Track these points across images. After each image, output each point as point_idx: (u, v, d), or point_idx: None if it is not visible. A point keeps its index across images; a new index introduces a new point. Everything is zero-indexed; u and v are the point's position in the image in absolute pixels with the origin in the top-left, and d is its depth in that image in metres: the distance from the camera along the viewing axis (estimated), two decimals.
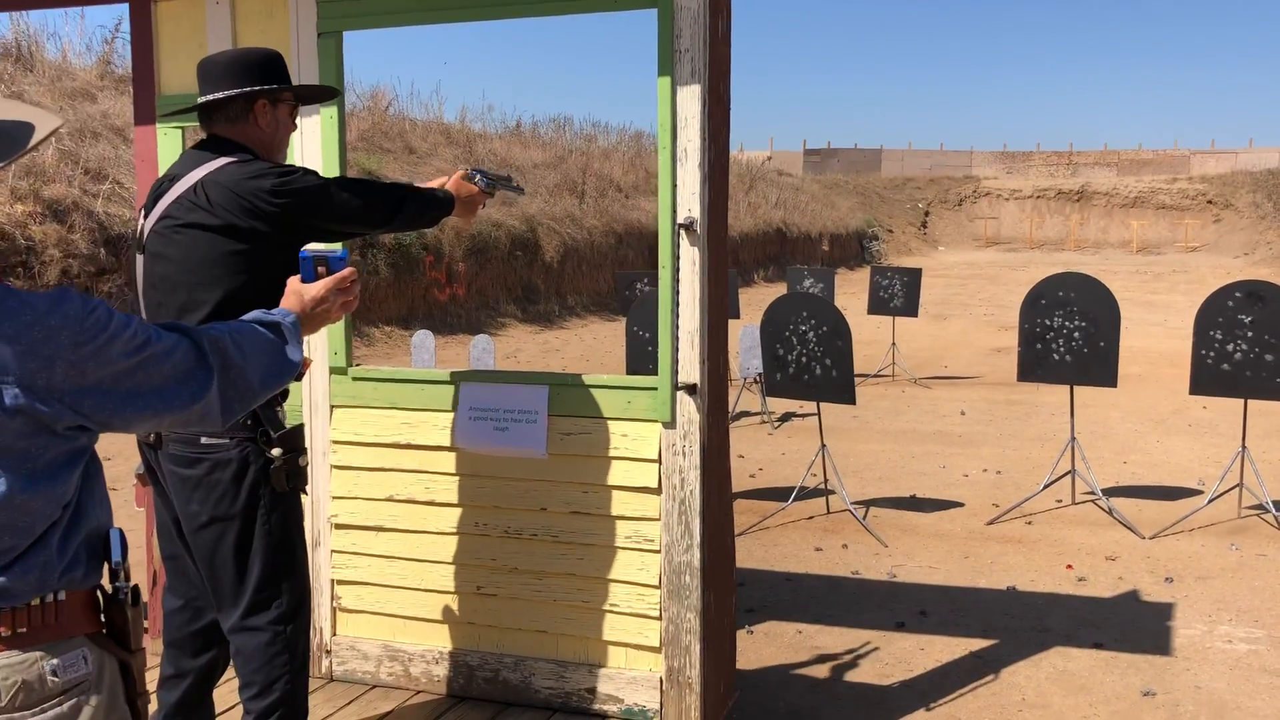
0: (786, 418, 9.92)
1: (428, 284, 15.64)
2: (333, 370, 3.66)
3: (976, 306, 22.74)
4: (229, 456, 2.72)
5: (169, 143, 3.76)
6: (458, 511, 3.55)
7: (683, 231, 3.19)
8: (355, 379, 3.65)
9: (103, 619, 1.54)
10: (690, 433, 3.27)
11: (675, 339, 3.22)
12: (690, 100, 3.19)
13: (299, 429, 2.86)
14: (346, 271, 1.91)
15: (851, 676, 4.28)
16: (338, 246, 2.06)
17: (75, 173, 11.09)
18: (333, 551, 3.68)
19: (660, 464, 3.31)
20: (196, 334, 1.62)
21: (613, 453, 3.36)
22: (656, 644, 3.36)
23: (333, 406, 3.67)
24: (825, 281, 12.29)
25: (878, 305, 11.96)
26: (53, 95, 13.12)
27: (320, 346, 3.66)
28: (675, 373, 3.23)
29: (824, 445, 6.68)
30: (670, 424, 3.29)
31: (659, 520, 3.33)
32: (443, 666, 3.57)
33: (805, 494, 6.84)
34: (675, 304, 3.21)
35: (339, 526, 3.67)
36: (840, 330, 6.14)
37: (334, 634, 3.70)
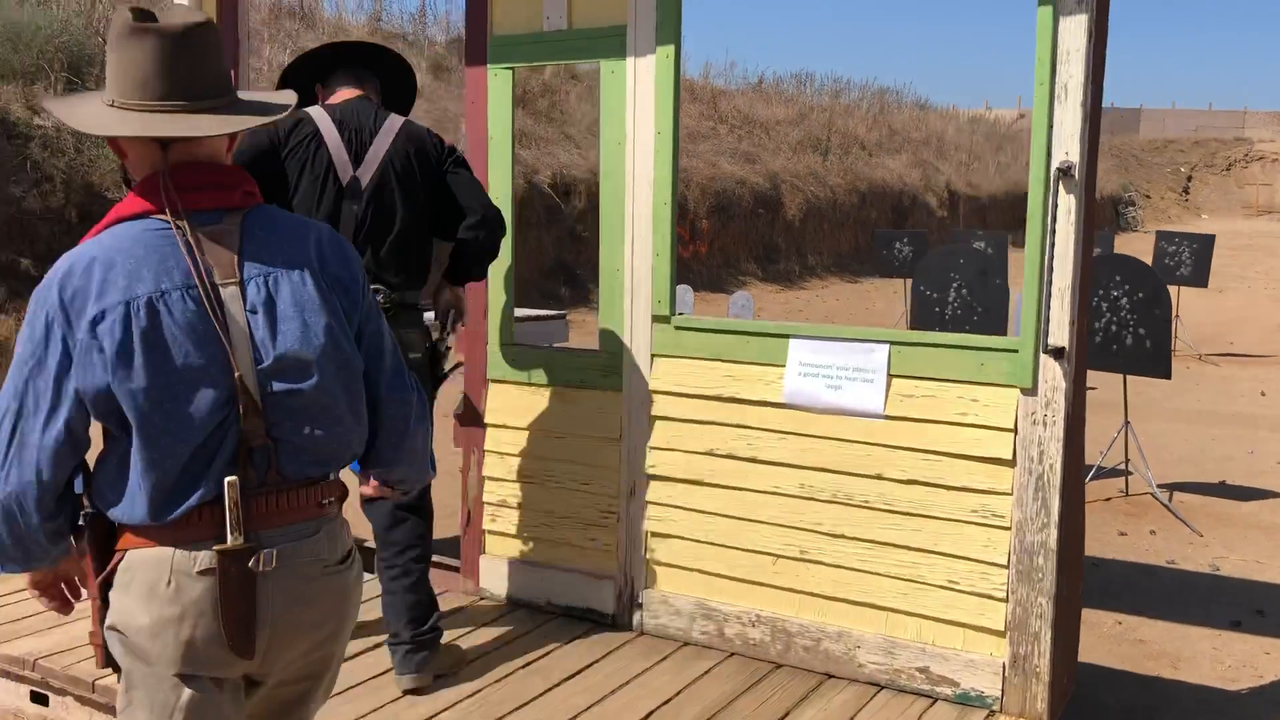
0: None
1: None
2: (655, 319, 3.55)
3: (1254, 280, 20.90)
4: (422, 353, 3.22)
5: (499, 84, 3.73)
6: (782, 471, 3.38)
7: (1060, 177, 2.88)
8: (678, 328, 3.53)
9: None
10: (1054, 401, 2.98)
11: (1047, 296, 2.92)
12: (1075, 31, 2.86)
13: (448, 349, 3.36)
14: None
15: (1189, 677, 3.89)
16: None
17: None
18: (648, 503, 3.60)
19: (1016, 434, 3.03)
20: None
21: (960, 419, 3.10)
22: (1000, 627, 3.09)
23: (654, 355, 3.57)
24: (999, 244, 11.46)
25: (1162, 274, 11.02)
26: None
27: (643, 295, 3.56)
28: (1044, 334, 2.94)
29: (1127, 422, 6.17)
30: (1030, 390, 3.00)
31: (1011, 495, 3.05)
32: (759, 630, 3.44)
33: (1102, 473, 6.34)
34: (1048, 257, 2.90)
35: (656, 478, 3.58)
36: (1159, 298, 5.61)
37: (646, 587, 3.63)
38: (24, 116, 8.93)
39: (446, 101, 13.90)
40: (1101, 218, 33.58)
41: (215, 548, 1.63)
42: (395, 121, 3.21)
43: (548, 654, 3.47)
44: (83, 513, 1.73)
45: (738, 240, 17.29)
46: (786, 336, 3.36)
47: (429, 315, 3.35)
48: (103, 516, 1.70)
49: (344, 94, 3.27)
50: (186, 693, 1.67)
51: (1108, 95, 3.11)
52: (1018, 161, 30.04)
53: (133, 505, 1.66)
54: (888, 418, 3.20)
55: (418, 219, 3.20)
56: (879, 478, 3.23)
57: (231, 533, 1.63)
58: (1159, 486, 6.22)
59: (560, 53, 3.67)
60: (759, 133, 20.15)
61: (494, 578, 3.89)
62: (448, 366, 3.36)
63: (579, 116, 15.89)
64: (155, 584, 1.65)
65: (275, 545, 1.67)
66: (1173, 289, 11.73)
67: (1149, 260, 11.48)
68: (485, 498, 3.90)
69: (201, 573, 1.63)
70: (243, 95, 1.80)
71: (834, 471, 3.30)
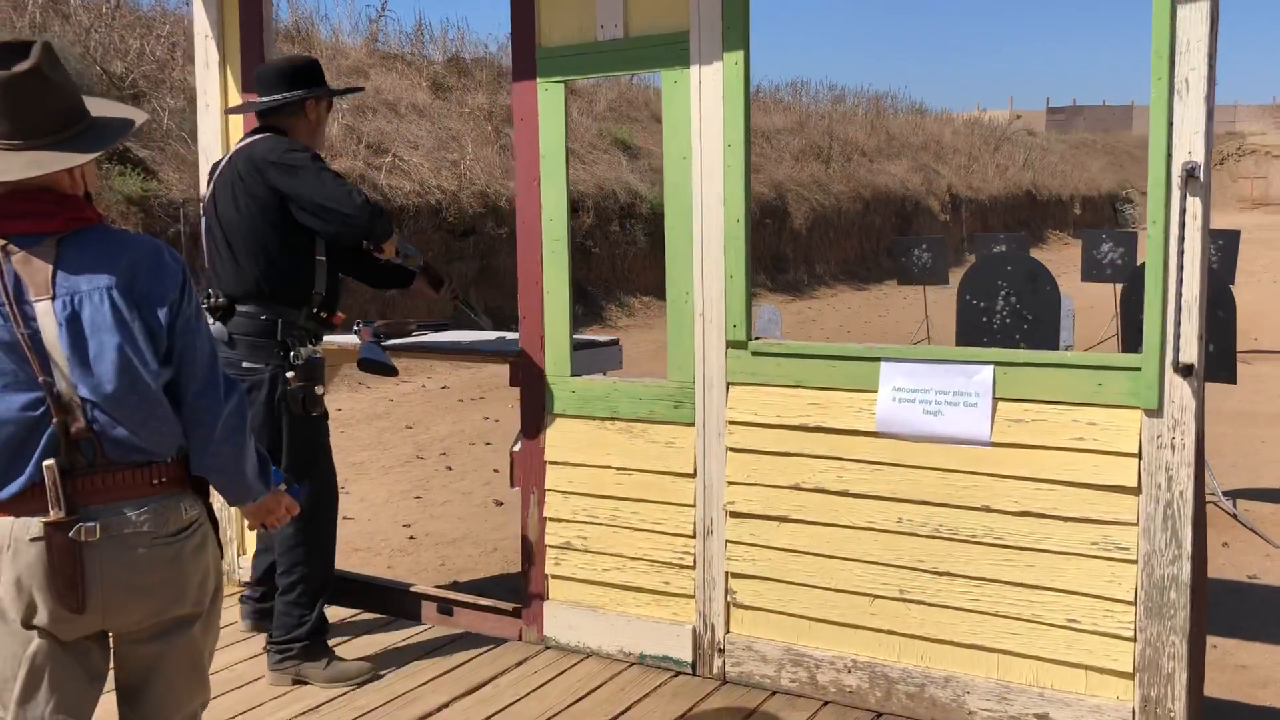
0: None
1: None
2: (730, 344, 3.31)
3: (1262, 274, 20.73)
4: (262, 378, 3.31)
5: (550, 99, 3.50)
6: (877, 505, 3.14)
7: (1186, 179, 2.65)
8: (755, 354, 3.29)
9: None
10: (1183, 422, 2.74)
11: (1175, 309, 2.68)
12: (1196, 20, 2.64)
13: (315, 362, 3.33)
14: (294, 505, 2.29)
15: None
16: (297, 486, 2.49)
17: (359, 148, 11.39)
18: (728, 541, 3.35)
19: (1140, 459, 2.80)
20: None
21: (1077, 444, 2.87)
22: (1128, 669, 2.85)
23: (729, 383, 3.33)
24: (1020, 245, 11.28)
25: None
26: (330, 74, 13.54)
27: (715, 319, 3.32)
28: (1174, 350, 2.70)
29: None
30: (1156, 411, 2.77)
31: (1136, 525, 2.81)
32: (856, 676, 3.19)
33: None
34: (1177, 268, 2.67)
35: (735, 515, 3.34)
36: (1221, 299, 5.37)
37: (728, 631, 3.38)
38: None
39: (449, 120, 13.67)
40: (1100, 215, 33.44)
41: (40, 519, 1.90)
42: (244, 143, 3.42)
43: (627, 710, 3.22)
44: None
45: None
46: (877, 360, 3.12)
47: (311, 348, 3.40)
48: None
49: None
50: (35, 644, 1.93)
51: (1100, 93, 2.90)
52: (1015, 163, 29.90)
53: None
54: (994, 444, 2.97)
55: (247, 228, 3.32)
56: (986, 510, 2.99)
57: (52, 507, 1.89)
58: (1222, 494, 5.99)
59: (617, 63, 3.43)
60: (760, 142, 19.90)
61: (559, 625, 3.64)
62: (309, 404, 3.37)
63: (581, 131, 15.67)
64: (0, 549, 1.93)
65: (100, 519, 1.91)
66: None
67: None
68: (548, 540, 3.65)
69: (33, 539, 1.90)
70: (103, 115, 2.03)
71: (935, 504, 3.06)
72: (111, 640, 2.04)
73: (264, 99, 3.44)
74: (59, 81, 1.94)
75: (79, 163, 1.95)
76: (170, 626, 2.02)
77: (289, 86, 3.43)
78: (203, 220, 3.51)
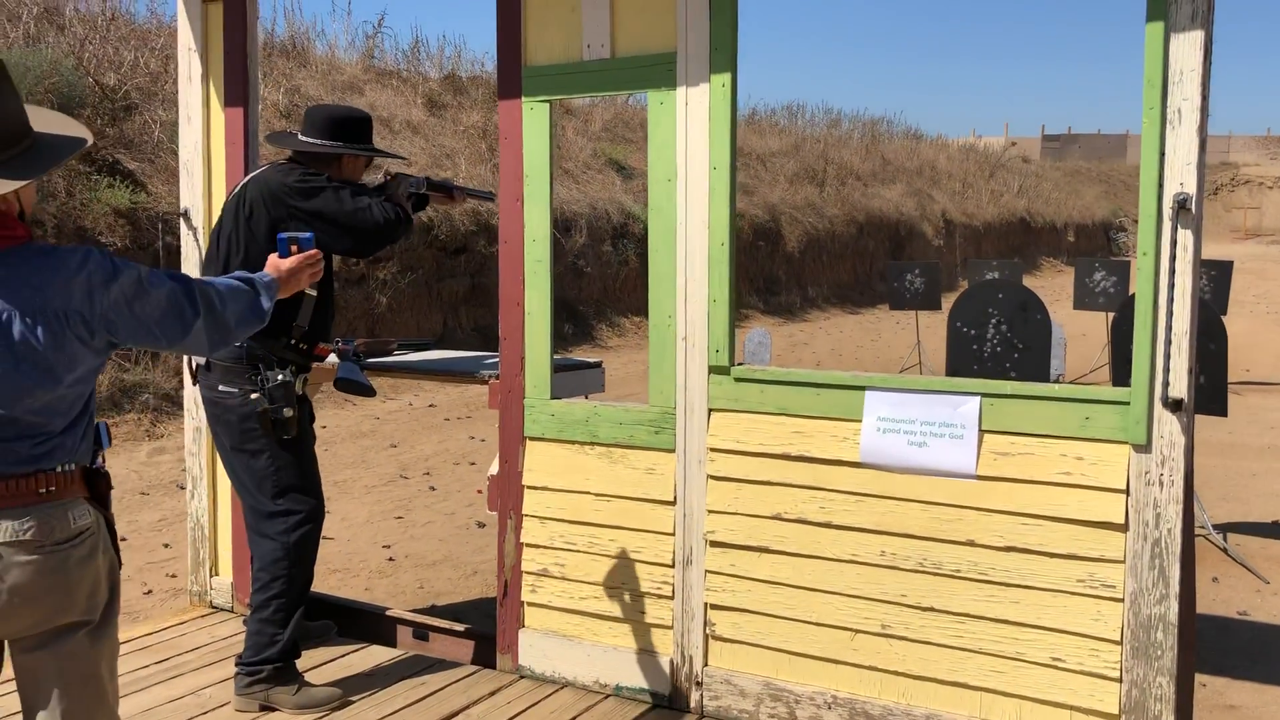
0: None
1: None
2: (712, 369, 3.25)
3: (1254, 304, 20.72)
4: (235, 403, 3.33)
5: (535, 118, 3.45)
6: (859, 537, 3.07)
7: (1177, 210, 2.60)
8: (738, 380, 3.23)
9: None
10: (1171, 459, 2.68)
11: (1165, 343, 2.63)
12: (1189, 50, 2.60)
13: (284, 385, 3.29)
14: (313, 251, 2.52)
15: None
16: (308, 232, 2.64)
17: None
18: (707, 572, 3.28)
19: (1128, 495, 2.74)
20: (185, 280, 2.17)
21: (1064, 479, 2.80)
22: (1114, 710, 2.78)
23: (711, 410, 3.26)
24: (1014, 272, 11.34)
25: None
26: (325, 89, 13.54)
27: (698, 344, 3.26)
28: (1163, 385, 2.64)
29: None
30: (1144, 447, 2.71)
31: (1123, 563, 2.75)
32: (836, 713, 3.11)
33: None
34: (1167, 300, 2.62)
35: (715, 544, 3.27)
36: (1212, 331, 5.33)
37: (706, 664, 3.30)
38: None
39: (443, 138, 13.65)
40: (1094, 243, 33.52)
41: None
42: (259, 170, 3.48)
43: None
44: None
45: (739, 273, 17.01)
46: (863, 388, 3.06)
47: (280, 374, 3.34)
48: None
49: None
50: None
51: (1095, 121, 2.86)
52: (1010, 189, 29.98)
53: None
54: (980, 478, 2.91)
55: (240, 257, 3.33)
56: (971, 544, 2.93)
57: None
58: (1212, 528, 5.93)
59: (603, 84, 3.38)
60: (755, 164, 19.93)
61: (534, 654, 3.56)
62: (289, 428, 3.36)
63: (576, 151, 15.66)
64: None
65: None
66: None
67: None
68: (525, 566, 3.57)
69: None
70: (49, 132, 2.09)
71: (919, 538, 2.99)
72: (8, 650, 2.08)
73: (304, 138, 3.48)
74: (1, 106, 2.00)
75: (8, 189, 1.99)
76: (59, 634, 2.04)
77: (331, 136, 3.46)
78: (209, 238, 3.54)
